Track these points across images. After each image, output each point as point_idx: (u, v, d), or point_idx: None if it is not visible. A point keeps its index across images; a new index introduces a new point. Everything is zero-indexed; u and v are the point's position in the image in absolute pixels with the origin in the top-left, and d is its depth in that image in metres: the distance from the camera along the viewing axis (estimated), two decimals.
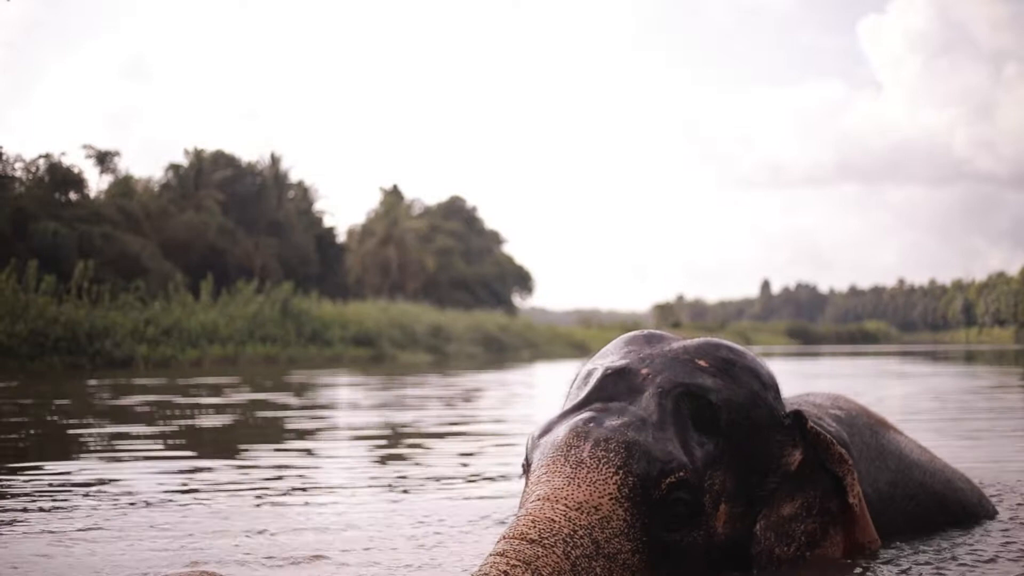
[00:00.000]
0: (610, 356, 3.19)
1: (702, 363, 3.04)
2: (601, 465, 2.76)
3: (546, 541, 2.63)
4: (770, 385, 3.11)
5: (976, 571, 3.09)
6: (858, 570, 3.06)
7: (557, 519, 2.67)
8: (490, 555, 2.64)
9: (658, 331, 3.31)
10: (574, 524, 2.67)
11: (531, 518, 2.69)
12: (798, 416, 3.08)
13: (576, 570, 2.60)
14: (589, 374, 3.13)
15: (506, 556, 2.60)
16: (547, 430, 2.97)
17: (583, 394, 3.05)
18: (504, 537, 2.68)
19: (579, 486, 2.74)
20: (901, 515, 3.50)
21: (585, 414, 2.94)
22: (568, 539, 2.64)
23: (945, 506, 3.66)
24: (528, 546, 2.62)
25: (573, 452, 2.82)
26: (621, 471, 2.74)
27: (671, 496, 2.75)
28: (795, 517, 3.01)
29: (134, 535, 3.84)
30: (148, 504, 4.53)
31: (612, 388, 3.02)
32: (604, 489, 2.72)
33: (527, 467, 2.99)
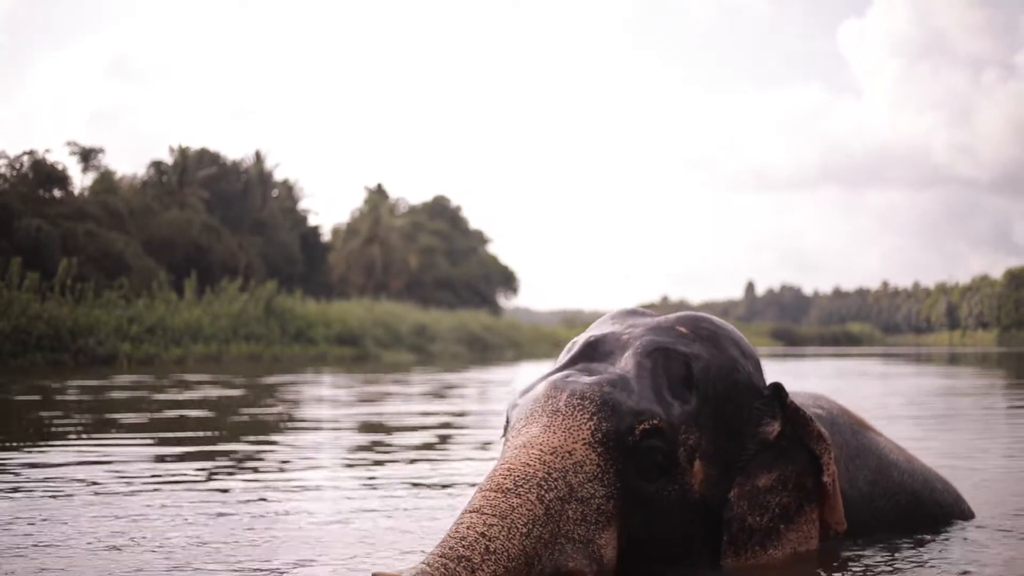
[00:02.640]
0: (595, 328, 3.30)
1: (683, 330, 3.14)
2: (576, 412, 2.85)
3: (520, 489, 2.70)
4: (750, 355, 3.19)
5: (950, 573, 3.12)
6: (835, 566, 3.09)
7: (532, 464, 2.76)
8: (466, 512, 2.70)
9: (643, 309, 3.40)
10: (548, 468, 2.75)
11: (507, 467, 2.77)
12: (777, 388, 3.14)
13: (550, 513, 2.68)
14: (573, 343, 3.25)
15: (482, 513, 2.67)
16: (527, 390, 3.07)
17: (565, 359, 3.17)
18: (480, 489, 2.74)
19: (554, 432, 2.82)
20: (880, 513, 3.53)
21: (564, 372, 3.05)
22: (542, 483, 2.72)
23: (923, 506, 3.69)
24: (503, 497, 2.69)
25: (550, 403, 2.91)
26: (595, 417, 2.83)
27: (645, 444, 2.83)
28: (771, 489, 3.06)
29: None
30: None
31: (593, 353, 3.13)
32: (578, 435, 2.81)
33: (507, 427, 3.05)
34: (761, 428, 3.07)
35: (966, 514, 3.90)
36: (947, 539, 3.57)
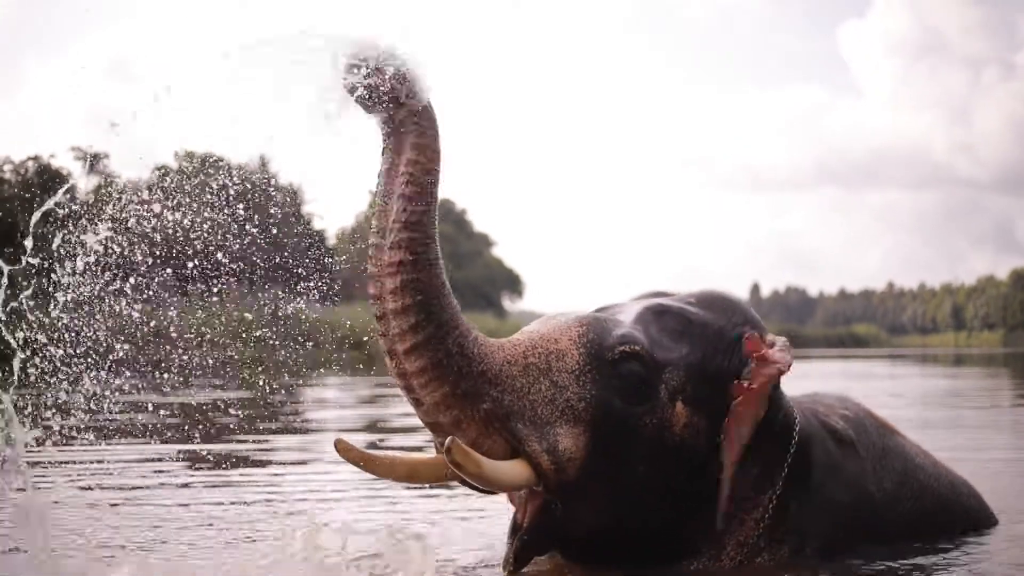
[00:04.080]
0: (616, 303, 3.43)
1: (691, 299, 3.27)
2: (568, 321, 3.06)
3: (508, 344, 2.96)
4: (755, 322, 3.23)
5: None
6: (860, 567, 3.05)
7: (521, 338, 3.02)
8: None
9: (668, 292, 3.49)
10: (534, 341, 2.98)
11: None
12: (743, 336, 3.15)
13: (527, 371, 2.91)
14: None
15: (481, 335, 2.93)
16: None
17: None
18: None
19: (547, 327, 3.05)
20: (905, 514, 3.49)
21: None
22: (528, 347, 2.95)
23: (948, 509, 3.66)
24: (498, 340, 2.97)
25: (551, 318, 3.14)
26: (583, 327, 3.02)
27: (624, 365, 2.96)
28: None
29: None
30: None
31: (605, 310, 3.28)
32: (566, 333, 3.01)
33: None
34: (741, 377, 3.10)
35: (991, 520, 3.85)
36: (972, 544, 3.53)
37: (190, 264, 3.79)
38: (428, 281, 2.78)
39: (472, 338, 2.85)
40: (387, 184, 2.84)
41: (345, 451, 3.04)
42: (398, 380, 2.87)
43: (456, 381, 2.80)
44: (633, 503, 2.98)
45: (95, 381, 3.58)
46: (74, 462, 5.51)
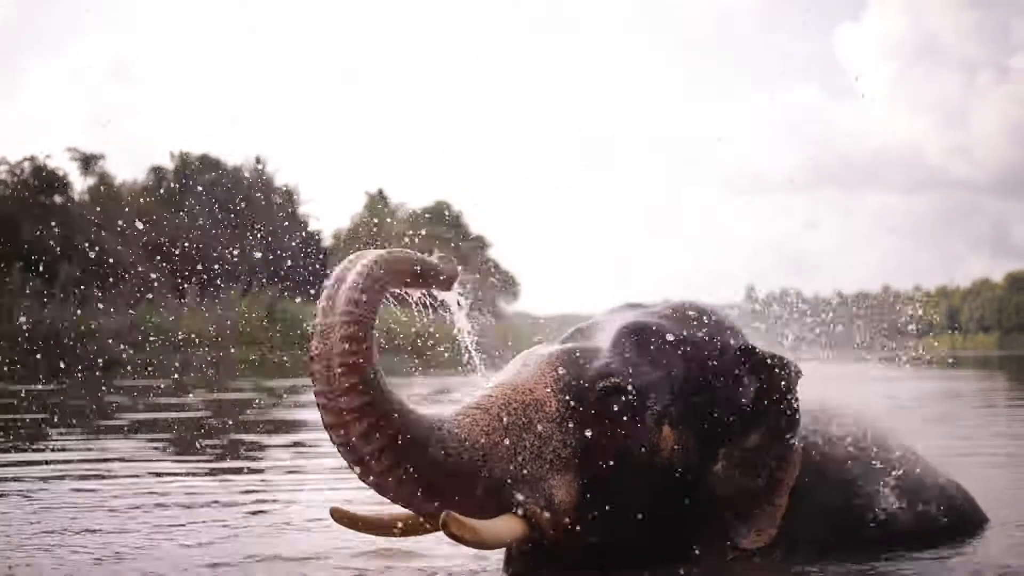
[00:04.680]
0: (593, 319, 3.39)
1: (668, 312, 3.24)
2: (543, 365, 3.00)
3: (483, 406, 2.89)
4: (728, 327, 3.23)
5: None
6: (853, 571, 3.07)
7: (495, 394, 2.92)
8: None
9: (645, 303, 3.44)
10: (509, 398, 2.91)
11: (473, 399, 2.93)
12: (747, 350, 3.14)
13: (509, 432, 2.84)
14: (567, 331, 3.37)
15: (445, 417, 2.84)
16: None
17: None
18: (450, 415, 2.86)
19: (520, 376, 3.00)
20: (897, 517, 3.46)
21: (542, 346, 3.19)
22: (504, 406, 2.88)
23: (939, 511, 3.65)
24: (469, 409, 2.86)
25: (521, 360, 3.08)
26: (560, 369, 2.98)
27: (607, 400, 2.92)
28: (761, 446, 3.07)
29: None
30: None
31: (579, 336, 3.25)
32: (541, 380, 2.97)
33: None
34: (740, 391, 3.08)
35: (982, 521, 3.86)
36: (964, 546, 3.55)
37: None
38: (386, 409, 2.73)
39: (447, 432, 2.79)
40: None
41: (340, 518, 2.98)
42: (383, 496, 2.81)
43: (449, 486, 2.77)
44: (628, 526, 2.96)
45: None
46: None
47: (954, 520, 3.71)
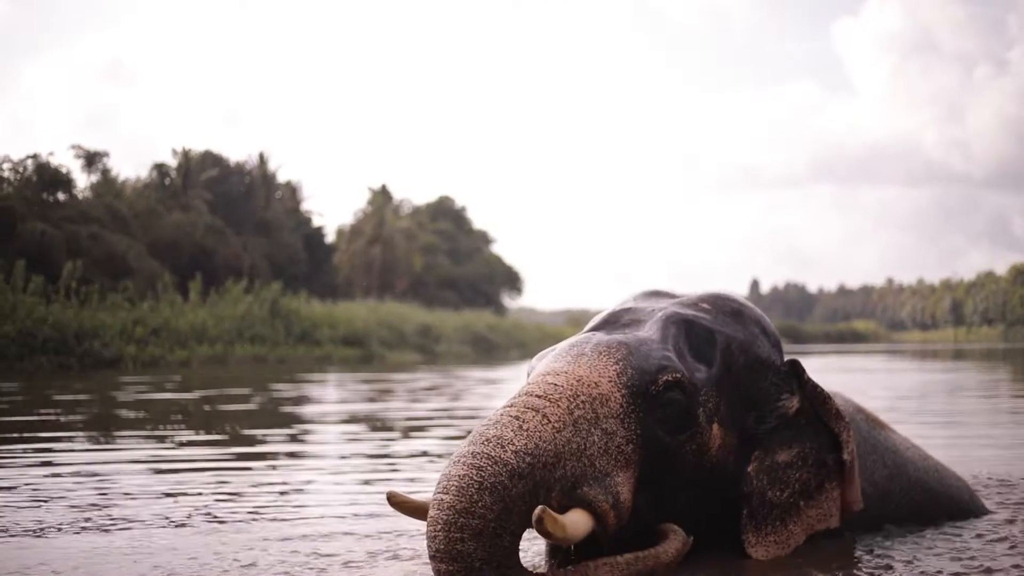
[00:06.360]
0: (617, 305, 3.33)
1: (706, 306, 3.20)
2: (602, 355, 2.90)
3: (551, 396, 2.76)
4: (771, 333, 3.24)
5: (970, 567, 3.10)
6: (851, 561, 3.07)
7: (560, 384, 2.81)
8: (498, 410, 2.76)
9: (666, 290, 3.43)
10: (576, 390, 2.80)
11: (536, 384, 2.82)
12: (795, 365, 3.18)
13: (578, 428, 2.72)
14: (594, 318, 3.30)
15: (515, 407, 2.74)
16: (551, 350, 3.11)
17: (586, 329, 3.21)
18: (510, 400, 2.80)
19: (581, 367, 2.87)
20: (897, 509, 3.54)
21: (586, 333, 3.11)
22: (572, 399, 2.78)
23: (938, 502, 3.69)
24: (535, 399, 2.75)
25: (574, 349, 2.97)
26: (621, 362, 2.88)
27: (667, 395, 2.86)
28: (790, 464, 3.08)
29: None
30: None
31: (614, 323, 3.18)
32: (604, 373, 2.86)
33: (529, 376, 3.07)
34: (780, 403, 3.10)
35: (980, 510, 3.88)
36: (963, 536, 3.54)
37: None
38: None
39: (514, 450, 2.62)
40: None
41: (399, 504, 2.93)
42: None
43: (527, 501, 2.63)
44: (672, 516, 2.93)
45: None
46: None
47: (952, 510, 3.72)
